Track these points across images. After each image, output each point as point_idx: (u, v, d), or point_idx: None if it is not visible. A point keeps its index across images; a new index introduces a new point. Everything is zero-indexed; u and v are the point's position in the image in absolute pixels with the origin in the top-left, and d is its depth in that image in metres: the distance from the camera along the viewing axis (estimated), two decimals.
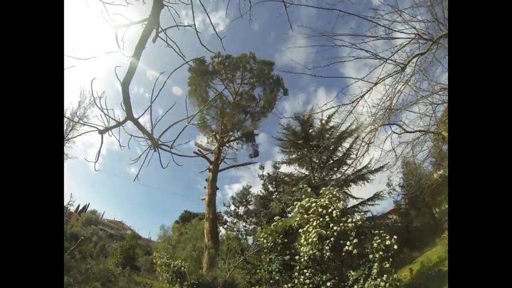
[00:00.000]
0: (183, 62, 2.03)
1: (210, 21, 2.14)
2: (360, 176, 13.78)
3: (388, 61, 4.29)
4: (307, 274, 7.77)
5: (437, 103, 5.43)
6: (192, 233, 18.44)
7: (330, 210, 8.07)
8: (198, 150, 18.33)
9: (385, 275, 6.69)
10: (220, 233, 18.57)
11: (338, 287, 7.40)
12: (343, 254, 7.49)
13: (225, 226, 21.92)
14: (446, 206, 13.46)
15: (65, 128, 17.12)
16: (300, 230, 8.41)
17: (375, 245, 7.11)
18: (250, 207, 20.72)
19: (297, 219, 8.81)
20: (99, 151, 2.03)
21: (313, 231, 7.84)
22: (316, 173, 14.99)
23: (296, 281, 7.89)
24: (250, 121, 18.99)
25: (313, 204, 8.41)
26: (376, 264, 6.90)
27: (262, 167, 19.12)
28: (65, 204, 24.22)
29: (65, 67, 1.59)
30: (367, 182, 14.19)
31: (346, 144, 14.66)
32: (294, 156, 16.20)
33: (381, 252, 6.95)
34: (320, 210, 8.19)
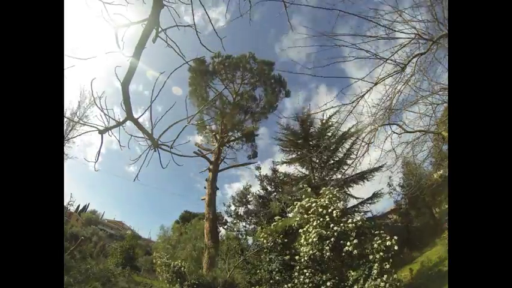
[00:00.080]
0: (183, 62, 2.03)
1: (210, 21, 2.14)
2: (360, 176, 13.76)
3: (388, 61, 4.30)
4: (307, 274, 7.77)
5: (437, 103, 5.43)
6: (192, 233, 18.43)
7: (330, 210, 8.07)
8: (198, 150, 18.35)
9: (385, 275, 6.69)
10: (220, 233, 18.59)
11: (338, 287, 7.40)
12: (343, 254, 7.49)
13: (225, 226, 21.93)
14: (446, 206, 13.45)
15: (64, 128, 17.13)
16: (300, 230, 8.40)
17: (375, 245, 7.11)
18: (250, 207, 20.73)
19: (297, 219, 8.81)
20: (99, 151, 2.03)
21: (313, 231, 7.84)
22: (316, 173, 14.99)
23: (296, 281, 7.89)
24: (251, 121, 19.00)
25: (313, 204, 8.40)
26: (376, 264, 6.90)
27: (258, 168, 19.11)
28: (65, 204, 24.22)
29: (65, 67, 1.59)
30: (367, 180, 14.17)
31: (346, 144, 14.66)
32: (293, 155, 16.19)
33: (381, 253, 6.95)
34: (320, 210, 8.19)
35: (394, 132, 5.47)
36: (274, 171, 18.36)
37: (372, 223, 9.08)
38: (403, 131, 5.61)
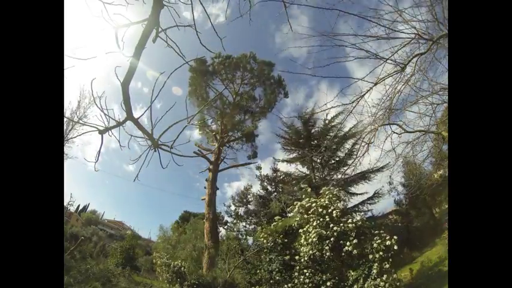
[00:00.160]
0: (183, 62, 2.03)
1: (210, 21, 2.14)
2: (361, 176, 13.77)
3: (388, 61, 4.30)
4: (307, 274, 7.77)
5: (437, 103, 5.42)
6: (192, 233, 18.42)
7: (330, 210, 8.07)
8: (198, 150, 18.35)
9: (385, 275, 6.70)
10: (220, 233, 18.60)
11: (338, 287, 7.40)
12: (343, 254, 7.49)
13: (225, 226, 21.95)
14: (446, 206, 13.46)
15: (64, 128, 17.13)
16: (300, 230, 8.41)
17: (375, 245, 7.11)
18: (250, 207, 20.74)
19: (297, 219, 8.81)
20: (99, 151, 2.03)
21: (313, 231, 7.84)
22: (317, 173, 15.00)
23: (296, 281, 7.89)
24: (251, 121, 18.99)
25: (313, 204, 8.41)
26: (376, 264, 6.90)
27: (259, 168, 19.12)
28: (65, 204, 24.22)
29: (65, 67, 1.59)
30: (368, 181, 14.19)
31: (347, 145, 14.67)
32: (294, 155, 16.21)
33: (381, 253, 6.95)
34: (320, 210, 8.20)
35: (394, 132, 5.47)
36: (275, 170, 18.38)
37: (372, 223, 9.09)
38: (403, 131, 5.60)
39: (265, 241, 9.13)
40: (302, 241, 8.15)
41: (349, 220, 7.78)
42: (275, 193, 17.77)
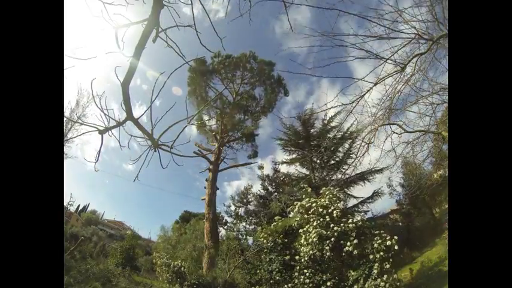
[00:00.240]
0: (183, 62, 2.03)
1: (210, 22, 2.14)
2: (361, 176, 13.77)
3: (388, 61, 4.30)
4: (307, 274, 7.77)
5: (437, 103, 5.42)
6: (192, 233, 18.43)
7: (330, 210, 8.07)
8: (198, 150, 18.34)
9: (385, 275, 6.69)
10: (220, 233, 18.59)
11: (338, 287, 7.40)
12: (343, 254, 7.49)
13: (225, 227, 21.94)
14: (446, 206, 13.45)
15: (64, 127, 17.13)
16: (300, 230, 8.40)
17: (376, 245, 7.11)
18: (250, 207, 20.73)
19: (297, 219, 8.81)
20: (99, 151, 2.03)
21: (314, 231, 7.84)
22: (316, 173, 15.00)
23: (296, 281, 7.89)
24: (251, 121, 18.99)
25: (314, 204, 8.40)
26: (376, 264, 6.90)
27: (261, 168, 19.12)
28: (65, 204, 24.22)
29: (65, 67, 1.59)
30: (368, 181, 14.19)
31: (347, 145, 14.66)
32: (294, 155, 16.20)
33: (381, 253, 6.95)
34: (320, 210, 8.19)
35: (394, 132, 5.47)
36: (276, 170, 18.38)
37: (372, 223, 9.09)
38: (403, 131, 5.60)
39: (265, 241, 9.13)
40: (302, 241, 8.15)
41: (350, 220, 7.77)
42: (275, 193, 17.77)
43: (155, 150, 2.08)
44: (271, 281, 8.37)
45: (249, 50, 17.52)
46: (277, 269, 8.39)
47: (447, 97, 4.86)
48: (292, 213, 10.29)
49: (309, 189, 10.09)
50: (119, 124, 1.92)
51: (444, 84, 4.94)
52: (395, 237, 7.06)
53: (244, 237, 18.72)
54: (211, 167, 17.18)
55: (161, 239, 22.46)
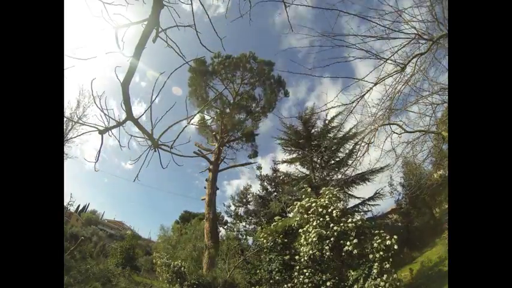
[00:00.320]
0: (183, 62, 2.03)
1: (210, 22, 2.14)
2: (361, 177, 13.76)
3: (388, 61, 4.30)
4: (307, 274, 7.76)
5: (437, 103, 5.42)
6: (192, 233, 18.43)
7: (330, 210, 8.07)
8: (198, 150, 18.35)
9: (385, 275, 6.69)
10: (220, 233, 18.60)
11: (338, 286, 7.40)
12: (343, 254, 7.49)
13: (225, 227, 21.96)
14: (446, 206, 13.45)
15: (64, 127, 17.13)
16: (300, 230, 8.40)
17: (375, 245, 7.11)
18: (250, 207, 20.75)
19: (297, 219, 8.81)
20: (99, 151, 2.03)
21: (313, 231, 7.84)
22: (317, 173, 14.99)
23: (296, 280, 7.89)
24: (251, 121, 18.99)
25: (313, 204, 8.40)
26: (376, 264, 6.90)
27: (259, 168, 19.13)
28: (65, 204, 24.22)
29: (65, 67, 1.59)
30: (368, 181, 14.19)
31: (347, 145, 14.64)
32: (294, 155, 16.19)
33: (381, 253, 6.95)
34: (320, 210, 8.19)
35: (394, 132, 5.47)
36: (275, 170, 18.38)
37: (372, 223, 9.08)
38: (403, 131, 5.60)
39: (265, 241, 9.12)
40: (302, 241, 8.15)
41: (349, 220, 7.77)
42: (275, 193, 17.77)
43: (155, 150, 2.08)
44: (271, 281, 8.37)
45: (248, 51, 17.54)
46: (277, 269, 8.39)
47: (447, 97, 4.86)
48: (292, 213, 10.28)
49: (309, 189, 10.09)
50: (119, 124, 1.92)
51: (444, 84, 4.94)
52: (395, 237, 7.05)
53: (244, 237, 18.74)
54: (211, 167, 17.18)
55: (161, 239, 22.46)
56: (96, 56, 1.83)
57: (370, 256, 7.09)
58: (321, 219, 8.01)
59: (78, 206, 39.31)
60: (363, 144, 5.28)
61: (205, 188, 17.09)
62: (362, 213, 13.80)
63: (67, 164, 19.29)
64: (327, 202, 8.28)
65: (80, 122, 18.61)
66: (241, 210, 21.35)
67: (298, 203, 8.94)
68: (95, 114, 1.95)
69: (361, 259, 7.33)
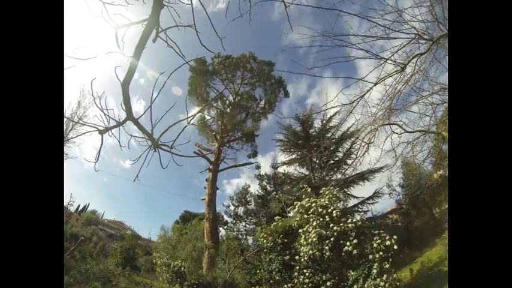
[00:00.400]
0: (183, 62, 2.03)
1: (210, 22, 2.14)
2: (360, 176, 13.76)
3: (388, 61, 4.30)
4: (307, 274, 7.76)
5: (437, 103, 5.42)
6: (192, 233, 18.43)
7: (329, 210, 8.07)
8: (198, 150, 18.35)
9: (385, 275, 6.69)
10: (220, 233, 18.60)
11: (338, 286, 7.40)
12: (343, 254, 7.49)
13: (225, 227, 21.96)
14: (446, 206, 13.45)
15: (64, 127, 17.13)
16: (300, 230, 8.40)
17: (375, 245, 7.11)
18: (250, 207, 20.76)
19: (297, 219, 8.81)
20: (99, 151, 2.03)
21: (313, 231, 7.84)
22: (316, 173, 14.98)
23: (296, 280, 7.88)
24: (251, 121, 19.00)
25: (313, 204, 8.40)
26: (376, 264, 6.90)
27: (258, 167, 19.14)
28: (65, 204, 24.22)
29: (65, 67, 1.59)
30: (368, 181, 14.18)
31: (346, 145, 14.64)
32: (294, 156, 16.17)
33: (381, 253, 6.94)
34: (320, 210, 8.19)
35: (394, 132, 5.47)
36: (274, 167, 18.39)
37: (372, 223, 9.07)
38: (403, 131, 5.61)
39: (265, 241, 9.12)
40: (302, 241, 8.14)
41: (349, 220, 7.77)
42: (274, 192, 17.77)
43: (155, 150, 2.08)
44: (271, 281, 8.36)
45: (248, 51, 17.55)
46: (277, 269, 8.38)
47: (447, 97, 4.86)
48: (291, 213, 10.28)
49: (309, 189, 10.09)
50: (119, 124, 1.92)
51: (444, 84, 4.94)
52: (395, 237, 7.05)
53: (244, 237, 18.75)
54: (211, 167, 17.18)
55: (161, 239, 22.45)
56: (96, 56, 1.83)
57: (370, 256, 7.09)
58: (321, 219, 8.01)
59: (78, 206, 39.36)
60: (362, 144, 5.29)
61: (205, 188, 17.10)
62: (362, 212, 13.80)
63: (67, 164, 19.30)
64: (326, 202, 8.28)
65: (81, 122, 18.62)
66: (240, 210, 21.38)
67: (298, 203, 8.94)
68: (95, 114, 1.95)
69: (361, 259, 7.33)
